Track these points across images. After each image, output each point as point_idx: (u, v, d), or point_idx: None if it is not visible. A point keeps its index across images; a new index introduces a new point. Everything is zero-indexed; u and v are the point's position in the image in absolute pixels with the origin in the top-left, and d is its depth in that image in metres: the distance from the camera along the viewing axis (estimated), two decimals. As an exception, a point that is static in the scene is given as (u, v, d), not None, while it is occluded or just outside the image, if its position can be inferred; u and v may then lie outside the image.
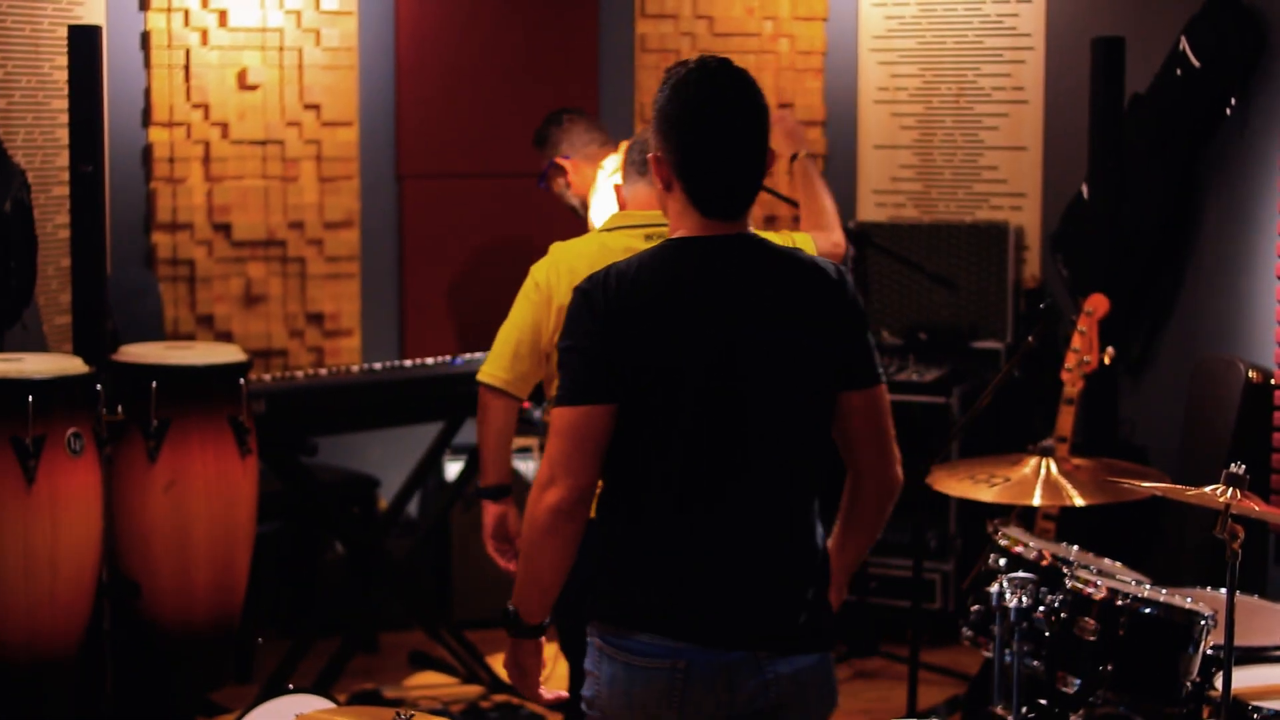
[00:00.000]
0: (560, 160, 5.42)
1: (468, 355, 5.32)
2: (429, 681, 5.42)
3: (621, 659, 2.80)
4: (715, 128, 2.79)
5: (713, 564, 2.79)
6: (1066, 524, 4.59)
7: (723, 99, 2.80)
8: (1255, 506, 3.26)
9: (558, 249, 3.72)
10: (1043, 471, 4.15)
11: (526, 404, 5.07)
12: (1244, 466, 3.29)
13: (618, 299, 2.77)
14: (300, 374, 5.01)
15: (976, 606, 3.79)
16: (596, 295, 2.79)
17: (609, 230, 3.71)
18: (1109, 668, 3.51)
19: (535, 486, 2.78)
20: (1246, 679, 3.51)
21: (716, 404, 2.78)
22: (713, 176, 2.81)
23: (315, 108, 5.95)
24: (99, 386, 4.23)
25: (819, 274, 2.85)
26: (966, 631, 3.82)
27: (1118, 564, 3.99)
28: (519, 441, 5.90)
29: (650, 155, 2.86)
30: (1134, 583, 3.69)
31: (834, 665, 2.90)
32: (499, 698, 5.21)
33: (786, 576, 2.83)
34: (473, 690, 5.30)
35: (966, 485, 4.16)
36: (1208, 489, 3.33)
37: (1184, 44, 5.51)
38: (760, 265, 2.83)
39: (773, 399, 2.80)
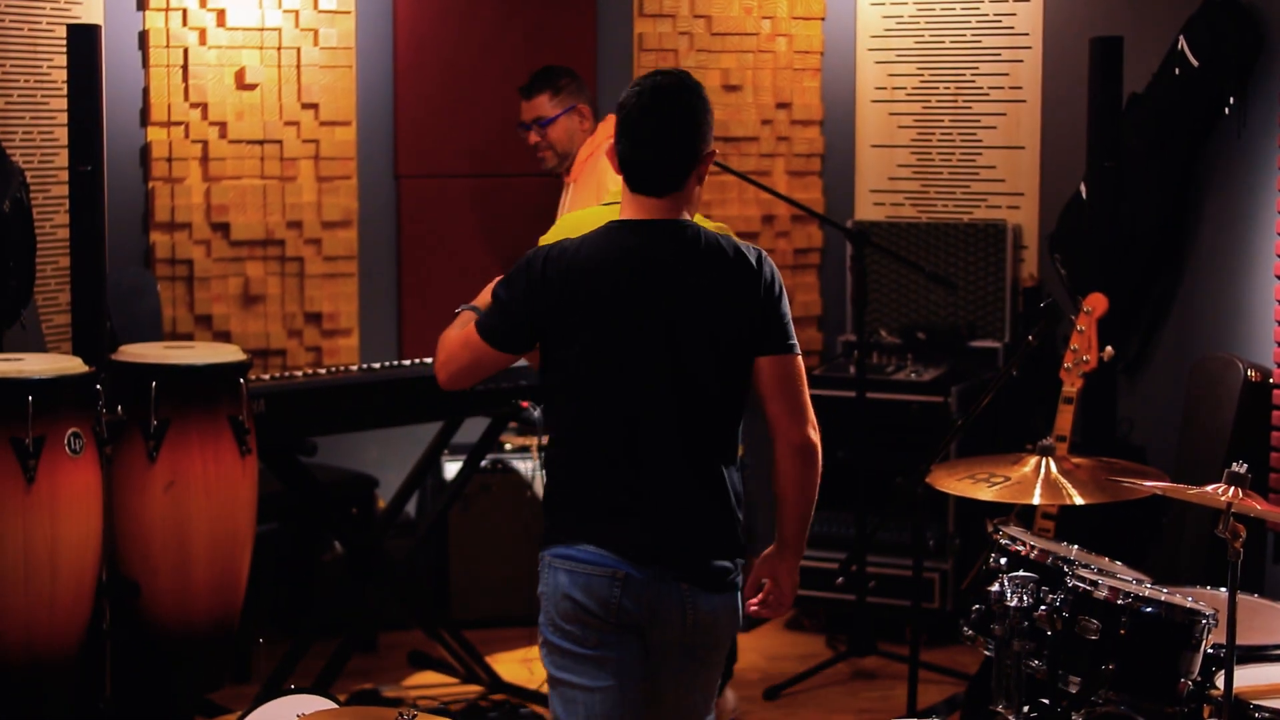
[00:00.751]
0: (584, 106, 5.55)
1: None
2: (428, 681, 5.41)
3: (567, 567, 3.26)
4: (645, 125, 3.25)
5: (641, 510, 3.24)
6: (1065, 523, 4.59)
7: (659, 103, 3.25)
8: (1257, 505, 3.27)
9: (563, 219, 3.90)
10: (1042, 471, 4.15)
11: (525, 404, 5.10)
12: (1245, 466, 3.29)
13: (553, 272, 3.25)
14: (299, 374, 5.01)
15: (977, 606, 3.79)
16: (536, 265, 3.28)
17: (608, 205, 3.82)
18: (1111, 667, 3.52)
19: (439, 358, 3.39)
20: (1247, 678, 3.51)
21: (639, 370, 3.25)
22: (638, 158, 3.27)
23: (313, 107, 5.95)
24: (99, 386, 4.22)
25: (739, 259, 3.29)
26: (967, 631, 3.82)
27: (1118, 563, 3.98)
28: (517, 441, 5.91)
29: (608, 147, 3.36)
30: (1134, 582, 3.69)
31: (740, 597, 3.36)
32: (498, 697, 5.21)
33: (705, 524, 3.29)
34: (472, 690, 5.30)
35: (966, 485, 4.15)
36: (1209, 488, 3.34)
37: (1182, 43, 5.51)
38: (685, 249, 3.27)
39: (687, 368, 3.25)
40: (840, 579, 5.64)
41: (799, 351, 3.34)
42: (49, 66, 5.46)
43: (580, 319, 3.23)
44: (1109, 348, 4.58)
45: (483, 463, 5.51)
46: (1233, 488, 3.30)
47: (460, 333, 3.38)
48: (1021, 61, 6.15)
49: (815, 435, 3.33)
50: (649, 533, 3.24)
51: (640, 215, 3.28)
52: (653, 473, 3.25)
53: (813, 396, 3.39)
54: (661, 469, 3.25)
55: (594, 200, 4.88)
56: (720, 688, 4.89)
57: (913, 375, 5.84)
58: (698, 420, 3.27)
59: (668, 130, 3.24)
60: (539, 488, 5.72)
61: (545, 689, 5.26)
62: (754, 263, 3.29)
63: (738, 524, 3.34)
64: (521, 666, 5.51)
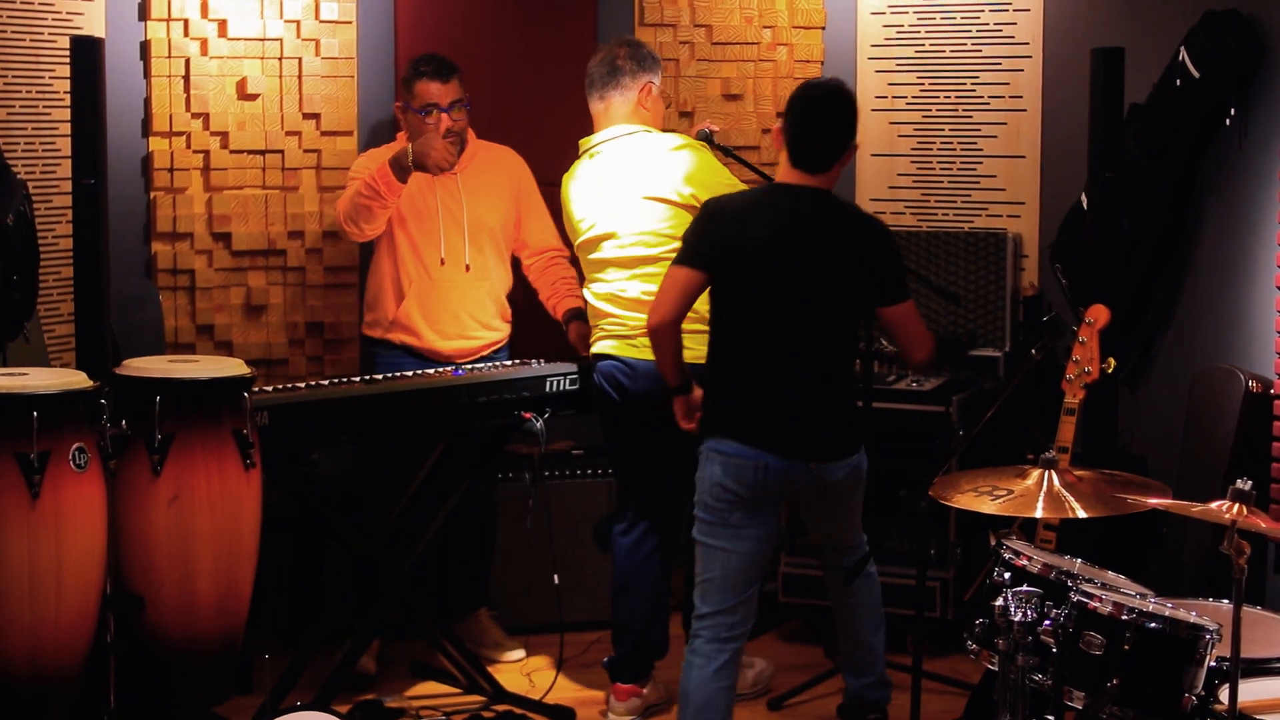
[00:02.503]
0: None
1: (469, 365, 5.32)
2: (430, 691, 5.41)
3: (719, 459, 4.37)
4: (815, 120, 4.42)
5: (779, 408, 4.35)
6: (1065, 534, 4.59)
7: (820, 99, 4.46)
8: (1261, 523, 3.27)
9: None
10: (1045, 484, 4.14)
11: (527, 415, 5.10)
12: (1250, 483, 3.30)
13: (720, 213, 4.43)
14: (303, 386, 5.01)
15: (981, 619, 3.80)
16: (710, 208, 4.48)
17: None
18: (1115, 682, 3.53)
19: (652, 315, 4.49)
20: (1250, 692, 3.52)
21: (778, 298, 4.33)
22: (806, 145, 4.40)
23: (315, 117, 5.95)
24: (103, 401, 4.22)
25: (866, 223, 4.50)
26: (971, 645, 3.83)
27: (1121, 577, 3.99)
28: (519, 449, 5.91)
29: (775, 129, 4.53)
30: (1138, 597, 3.70)
31: (861, 460, 4.53)
32: (500, 707, 5.21)
33: (829, 416, 4.40)
34: (474, 700, 5.30)
35: (969, 498, 4.15)
36: (1214, 505, 3.35)
37: (1183, 54, 5.52)
38: (822, 209, 4.41)
39: (816, 298, 4.34)
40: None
41: (911, 297, 4.48)
42: (51, 78, 5.46)
43: (738, 253, 4.32)
44: (1111, 359, 4.58)
45: (485, 473, 5.52)
46: (1237, 504, 3.31)
47: (665, 278, 4.45)
48: (1022, 71, 6.16)
49: (927, 356, 4.53)
50: (783, 429, 4.32)
51: (796, 182, 4.39)
52: (786, 380, 4.32)
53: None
54: (793, 378, 4.32)
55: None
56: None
57: (913, 385, 5.84)
58: (822, 342, 4.35)
59: (829, 127, 4.38)
60: (539, 498, 5.72)
61: (547, 700, 5.27)
62: (878, 229, 4.47)
63: (853, 415, 4.51)
64: (523, 677, 5.51)
